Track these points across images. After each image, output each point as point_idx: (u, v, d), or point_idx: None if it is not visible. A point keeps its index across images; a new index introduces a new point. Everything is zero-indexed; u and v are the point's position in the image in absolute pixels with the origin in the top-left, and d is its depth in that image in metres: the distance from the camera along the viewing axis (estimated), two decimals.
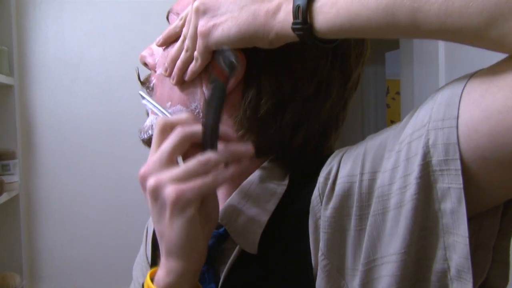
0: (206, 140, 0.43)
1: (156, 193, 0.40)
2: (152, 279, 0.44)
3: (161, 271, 0.43)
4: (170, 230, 0.41)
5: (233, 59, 0.43)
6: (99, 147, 1.81)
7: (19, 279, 1.62)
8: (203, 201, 0.43)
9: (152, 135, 0.51)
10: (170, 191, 0.40)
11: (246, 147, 0.44)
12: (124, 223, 1.79)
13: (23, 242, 1.76)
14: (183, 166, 0.41)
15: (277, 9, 0.40)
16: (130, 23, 1.82)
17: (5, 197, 1.59)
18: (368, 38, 0.51)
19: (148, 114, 0.54)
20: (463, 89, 0.34)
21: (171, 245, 0.41)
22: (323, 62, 0.47)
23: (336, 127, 0.51)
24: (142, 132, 0.53)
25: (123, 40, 1.81)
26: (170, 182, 0.40)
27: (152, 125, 0.52)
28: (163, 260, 0.43)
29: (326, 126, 0.50)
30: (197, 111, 0.49)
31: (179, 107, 0.50)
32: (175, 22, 0.49)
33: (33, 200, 1.82)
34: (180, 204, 0.40)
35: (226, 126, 0.48)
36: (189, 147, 0.43)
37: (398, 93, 3.00)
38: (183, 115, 0.45)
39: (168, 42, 0.51)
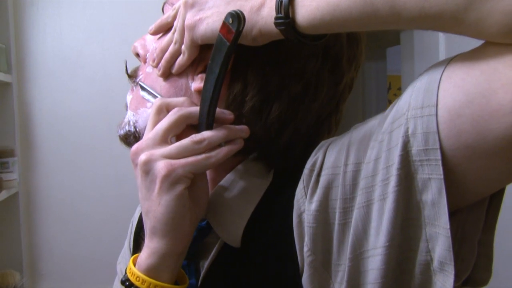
0: (202, 117, 0.42)
1: (147, 167, 0.41)
2: (135, 264, 0.44)
3: (144, 253, 0.43)
4: (157, 206, 0.41)
5: (238, 11, 0.39)
6: (98, 144, 1.81)
7: (19, 277, 1.62)
8: (194, 183, 0.42)
9: (128, 130, 0.51)
10: (161, 166, 0.40)
11: (242, 127, 0.44)
12: (124, 220, 1.78)
13: (22, 240, 1.76)
14: (176, 144, 0.41)
15: (261, 5, 0.40)
16: (128, 20, 1.81)
17: (4, 195, 1.60)
18: (363, 42, 0.50)
19: (126, 109, 0.53)
20: (442, 73, 0.33)
21: (156, 222, 0.41)
22: (313, 62, 0.46)
23: (329, 130, 0.50)
24: (119, 128, 0.53)
25: (122, 37, 1.80)
26: (162, 157, 0.40)
27: (129, 121, 0.51)
28: (146, 241, 0.43)
29: (318, 128, 0.49)
30: None
31: None
32: (168, 12, 0.49)
33: (33, 197, 1.82)
34: (170, 179, 0.40)
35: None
36: (184, 129, 0.43)
37: (400, 89, 2.99)
38: (181, 98, 0.45)
39: (160, 31, 0.50)
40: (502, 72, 0.30)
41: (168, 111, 0.43)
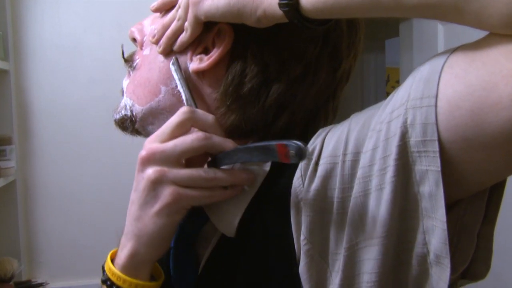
0: (219, 160, 0.43)
1: (154, 185, 0.41)
2: (112, 260, 0.45)
3: (123, 253, 0.43)
4: (151, 223, 0.42)
5: (302, 145, 0.37)
6: (95, 132, 1.81)
7: (17, 264, 1.63)
8: None
9: (125, 114, 0.51)
10: (169, 192, 0.41)
11: (249, 176, 0.44)
12: (122, 207, 1.78)
13: (20, 227, 1.76)
14: (188, 172, 0.41)
15: None
16: (127, 9, 1.80)
17: (1, 182, 1.60)
18: (362, 30, 0.50)
19: (122, 94, 0.53)
20: (444, 64, 0.33)
21: (144, 234, 0.42)
22: (312, 46, 0.46)
23: (326, 116, 0.50)
24: (115, 113, 0.53)
25: (120, 25, 1.79)
26: (173, 182, 0.41)
27: (125, 105, 0.52)
28: (126, 240, 0.43)
29: (315, 114, 0.49)
30: (176, 91, 0.48)
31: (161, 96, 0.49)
32: None
33: (30, 185, 1.82)
34: (173, 208, 0.41)
35: (206, 103, 0.47)
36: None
37: (398, 81, 2.98)
38: (209, 117, 0.44)
39: (162, 9, 0.50)
40: (503, 64, 0.29)
41: (191, 126, 0.43)
